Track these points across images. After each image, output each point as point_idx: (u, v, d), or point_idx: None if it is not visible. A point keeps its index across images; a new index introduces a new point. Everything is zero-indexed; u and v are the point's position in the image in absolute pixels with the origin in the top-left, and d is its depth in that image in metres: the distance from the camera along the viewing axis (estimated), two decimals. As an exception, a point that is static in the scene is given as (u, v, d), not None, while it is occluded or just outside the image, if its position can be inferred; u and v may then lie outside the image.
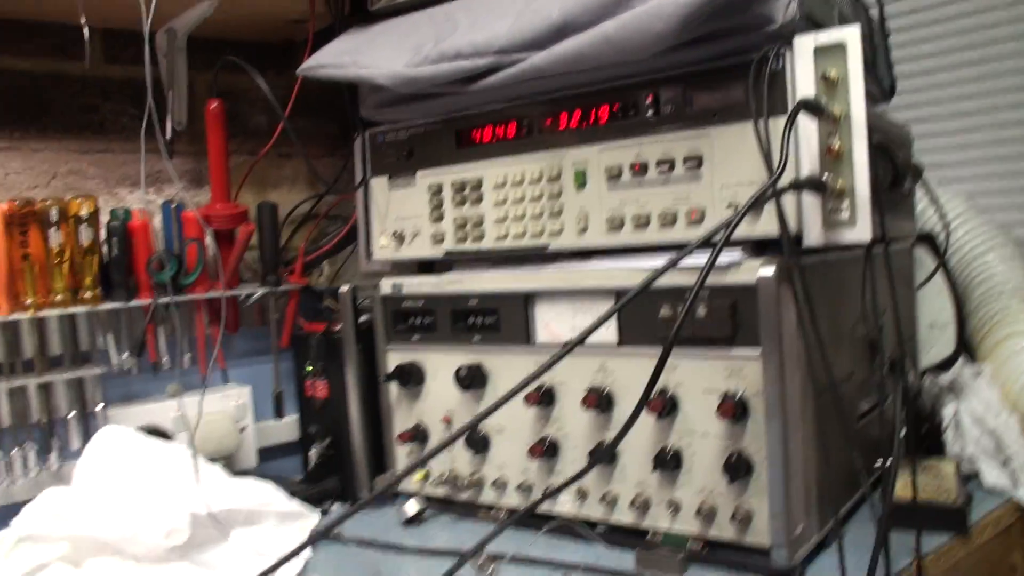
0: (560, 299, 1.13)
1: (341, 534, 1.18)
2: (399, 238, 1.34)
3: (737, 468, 0.96)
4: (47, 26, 1.36)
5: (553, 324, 1.14)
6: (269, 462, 1.51)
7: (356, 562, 1.08)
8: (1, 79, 1.32)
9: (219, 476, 1.21)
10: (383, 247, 1.37)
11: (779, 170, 0.90)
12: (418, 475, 1.31)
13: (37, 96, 1.36)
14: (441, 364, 1.25)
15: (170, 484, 1.13)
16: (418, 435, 1.28)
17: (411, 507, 1.24)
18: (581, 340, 0.87)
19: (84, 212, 1.24)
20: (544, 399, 1.13)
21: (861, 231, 0.96)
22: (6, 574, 0.92)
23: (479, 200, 1.24)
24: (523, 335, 1.16)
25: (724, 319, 0.96)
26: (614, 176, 1.11)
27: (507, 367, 1.17)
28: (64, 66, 1.38)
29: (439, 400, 1.26)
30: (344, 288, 1.33)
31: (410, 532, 1.21)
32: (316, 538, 0.85)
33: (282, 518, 1.19)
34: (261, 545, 1.10)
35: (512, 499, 1.18)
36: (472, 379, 1.19)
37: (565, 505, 1.11)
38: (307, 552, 1.12)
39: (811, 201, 0.96)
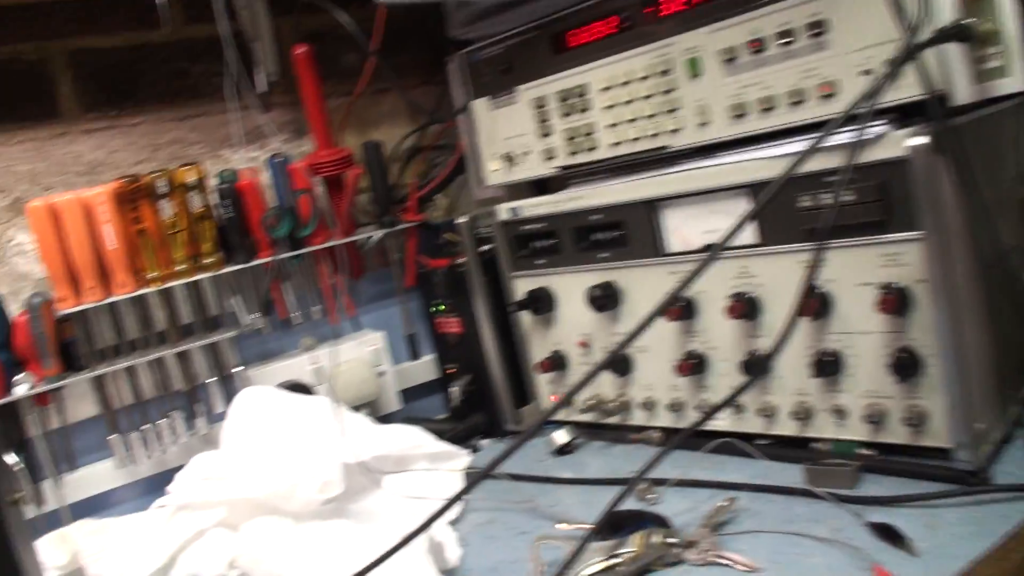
0: (688, 203, 1.09)
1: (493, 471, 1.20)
2: (509, 160, 1.32)
3: (905, 366, 0.91)
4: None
5: (684, 230, 1.11)
6: (411, 403, 1.55)
7: (513, 497, 1.09)
8: (89, 59, 1.36)
9: (364, 424, 1.25)
10: (494, 171, 1.35)
11: (917, 22, 0.83)
12: (562, 403, 1.31)
13: (126, 70, 1.40)
14: (570, 286, 1.24)
15: (317, 437, 1.17)
16: (557, 362, 1.28)
17: (561, 436, 1.25)
18: (727, 240, 0.83)
19: (191, 179, 1.28)
20: (685, 312, 1.10)
21: (1017, 78, 0.87)
22: (167, 543, 0.98)
23: (586, 108, 1.20)
24: (652, 246, 1.13)
25: (874, 202, 0.90)
26: (729, 59, 1.05)
27: (639, 282, 1.15)
28: (147, 36, 1.41)
29: (573, 324, 1.25)
30: (462, 219, 1.32)
31: (562, 462, 1.22)
32: (478, 478, 0.86)
33: (432, 459, 1.21)
34: (415, 489, 1.13)
35: (663, 419, 1.17)
36: (605, 299, 1.18)
37: (721, 421, 1.09)
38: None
39: (956, 53, 0.88)
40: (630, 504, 0.92)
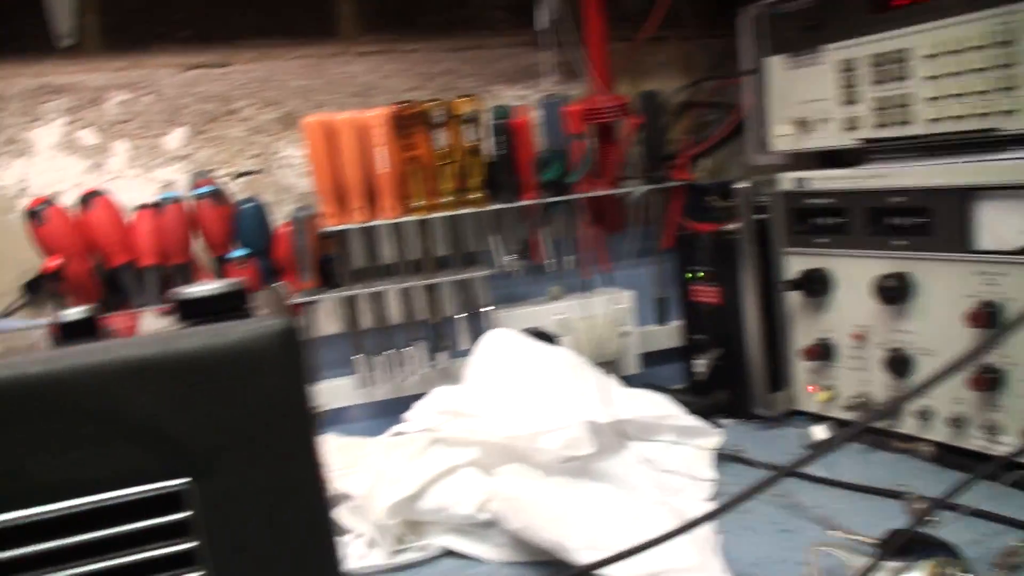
0: (1011, 196, 0.99)
1: (745, 455, 1.16)
2: (802, 125, 1.25)
3: None
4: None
5: (1000, 226, 1.01)
6: (648, 369, 1.52)
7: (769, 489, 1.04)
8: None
9: (612, 385, 1.23)
10: (782, 136, 1.28)
11: None
12: (821, 395, 1.24)
13: (408, -4, 1.42)
14: (853, 271, 1.16)
15: (564, 391, 1.16)
16: (823, 351, 1.21)
17: (820, 432, 1.18)
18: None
19: (468, 111, 1.28)
20: (990, 319, 1.00)
21: None
22: (419, 473, 1.00)
23: (903, 76, 1.11)
24: (959, 240, 1.04)
25: None
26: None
27: (938, 278, 1.06)
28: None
29: (849, 312, 1.18)
30: (742, 184, 1.27)
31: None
32: (780, 474, 0.81)
33: (680, 433, 1.18)
34: (659, 460, 1.10)
35: (938, 432, 1.09)
36: (897, 291, 1.10)
37: (1003, 446, 0.99)
38: (712, 472, 1.11)
39: None
40: (902, 522, 0.85)
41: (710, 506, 0.94)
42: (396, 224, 1.29)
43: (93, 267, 1.20)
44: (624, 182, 1.44)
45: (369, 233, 1.30)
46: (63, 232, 1.16)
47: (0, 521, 0.47)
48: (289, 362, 0.51)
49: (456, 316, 1.36)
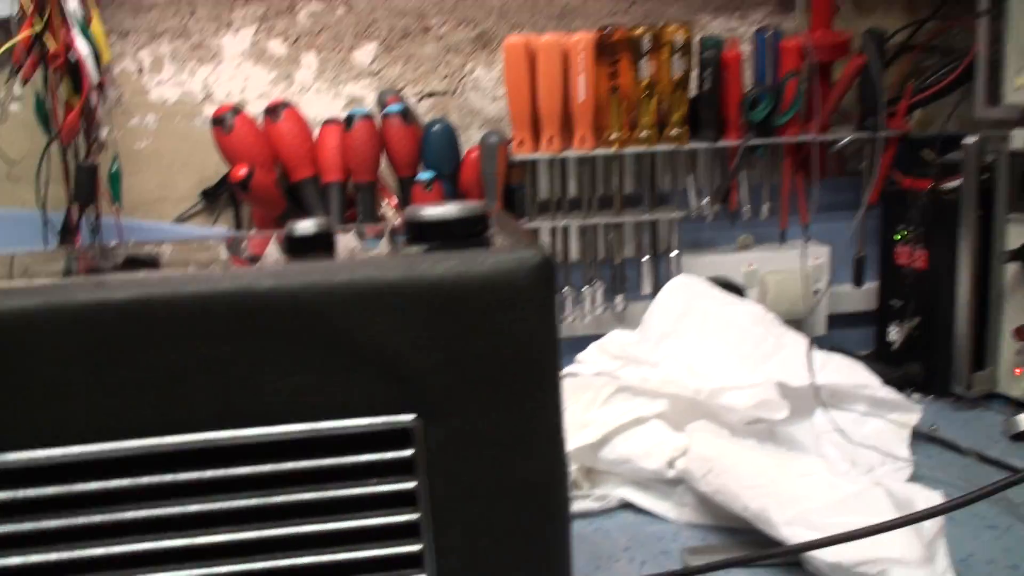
0: None
1: (940, 436, 1.06)
2: (1052, 77, 1.11)
3: None
4: None
5: None
6: (834, 330, 1.42)
7: (968, 476, 0.96)
8: None
9: (803, 345, 1.14)
10: (1021, 87, 1.15)
11: None
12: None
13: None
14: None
15: (752, 347, 1.09)
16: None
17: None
18: None
19: (679, 39, 1.20)
20: None
21: None
22: (605, 422, 0.95)
23: None
24: None
25: None
26: None
27: None
28: None
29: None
30: (970, 138, 1.14)
31: (1017, 448, 1.06)
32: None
33: (875, 405, 1.09)
34: (851, 432, 1.02)
35: None
36: None
37: None
38: (907, 451, 1.02)
39: None
40: None
41: (922, 491, 0.85)
42: (589, 157, 1.22)
43: (276, 179, 1.18)
44: (834, 128, 1.33)
45: (559, 164, 1.24)
46: (249, 141, 1.15)
47: (226, 438, 0.44)
48: (543, 299, 0.45)
49: (641, 259, 1.29)
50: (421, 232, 0.50)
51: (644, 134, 1.21)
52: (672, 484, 0.94)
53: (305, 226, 0.47)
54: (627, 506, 0.95)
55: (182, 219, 1.30)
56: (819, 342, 1.26)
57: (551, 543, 0.49)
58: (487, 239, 0.49)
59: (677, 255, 1.28)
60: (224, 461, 0.46)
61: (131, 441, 0.44)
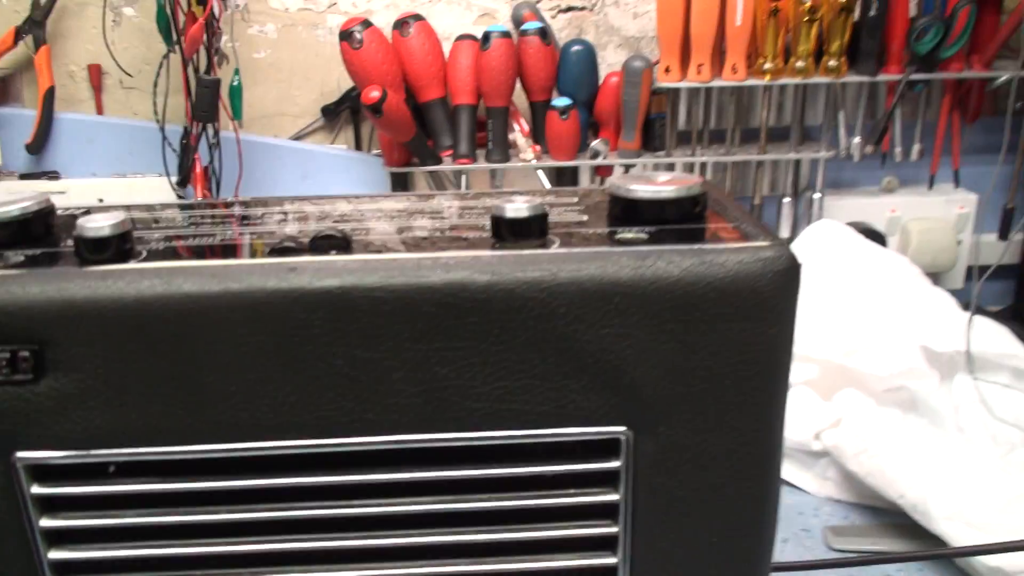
0: None
1: None
2: None
3: None
4: None
5: None
6: (970, 283, 1.34)
7: None
8: None
9: (951, 306, 1.07)
10: None
11: None
12: None
13: None
14: None
15: (897, 306, 1.02)
16: None
17: None
18: None
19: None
20: None
21: None
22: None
23: None
24: None
25: None
26: None
27: None
28: None
29: None
30: None
31: None
32: None
33: (1018, 377, 1.02)
34: (993, 405, 0.95)
35: None
36: None
37: None
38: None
39: None
40: None
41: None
42: (738, 87, 1.14)
43: (404, 100, 1.13)
44: (994, 65, 1.22)
45: (706, 94, 1.16)
46: (379, 58, 1.09)
47: (427, 441, 0.40)
48: (786, 308, 0.40)
49: (783, 198, 1.22)
50: (630, 212, 0.44)
51: (800, 64, 1.12)
52: (816, 456, 0.90)
53: (518, 208, 0.42)
54: (765, 473, 0.90)
55: (300, 136, 1.26)
56: (955, 295, 1.19)
57: (753, 567, 0.45)
58: (704, 222, 0.43)
59: (820, 197, 1.20)
60: (419, 463, 0.42)
61: (322, 439, 0.40)
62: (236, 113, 1.17)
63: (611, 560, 0.44)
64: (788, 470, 0.90)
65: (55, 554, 0.43)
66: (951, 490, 0.76)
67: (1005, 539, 0.65)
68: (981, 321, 1.05)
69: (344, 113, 1.24)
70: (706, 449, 0.42)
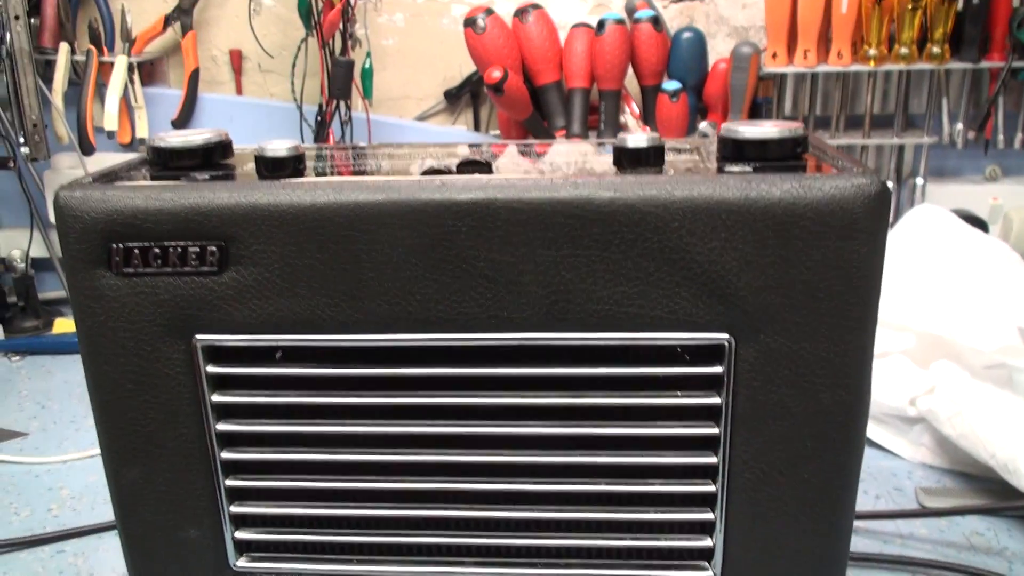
0: None
1: None
2: None
3: None
4: None
5: None
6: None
7: None
8: None
9: (1050, 289, 1.07)
10: None
11: None
12: None
13: None
14: None
15: (997, 288, 1.03)
16: None
17: None
18: None
19: (954, -51, 1.12)
20: None
21: None
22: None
23: None
24: None
25: None
26: None
27: None
28: None
29: None
30: None
31: None
32: None
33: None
34: None
35: None
36: None
37: None
38: None
39: None
40: None
41: None
42: (843, 73, 1.17)
43: (523, 82, 1.19)
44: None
45: (811, 80, 1.19)
46: (500, 43, 1.15)
47: (545, 339, 0.45)
48: (877, 229, 0.44)
49: (887, 183, 1.23)
50: (738, 151, 0.49)
51: (904, 51, 1.14)
52: (910, 422, 0.92)
53: (637, 138, 0.47)
54: (860, 438, 0.93)
55: (423, 118, 1.33)
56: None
57: (844, 472, 0.49)
58: (805, 163, 0.47)
59: (923, 183, 1.22)
60: (543, 360, 0.47)
61: (462, 334, 0.46)
62: (367, 93, 1.25)
63: (712, 459, 0.49)
64: (883, 435, 0.92)
65: (223, 426, 0.50)
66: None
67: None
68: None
69: (465, 97, 1.31)
70: (802, 357, 0.46)
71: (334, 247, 0.45)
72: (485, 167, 0.47)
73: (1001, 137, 1.22)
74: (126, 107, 1.27)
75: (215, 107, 1.31)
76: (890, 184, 1.21)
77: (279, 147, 0.48)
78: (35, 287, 1.22)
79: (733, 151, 0.48)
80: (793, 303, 0.45)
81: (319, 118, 1.20)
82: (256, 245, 0.45)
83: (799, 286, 0.44)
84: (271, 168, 0.47)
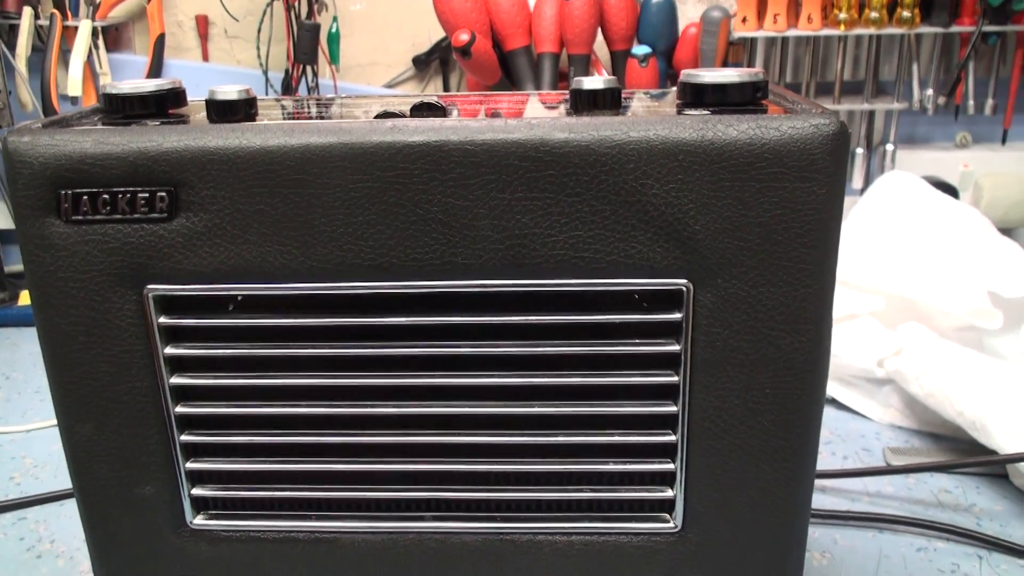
0: None
1: None
2: None
3: None
4: None
5: None
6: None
7: None
8: None
9: (1019, 255, 1.08)
10: None
11: None
12: None
13: None
14: None
15: (966, 253, 1.03)
16: None
17: None
18: None
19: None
20: None
21: None
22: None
23: None
24: None
25: None
26: None
27: None
28: None
29: None
30: None
31: None
32: None
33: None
34: None
35: None
36: None
37: None
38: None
39: None
40: None
41: None
42: (812, 38, 1.16)
43: (491, 47, 1.18)
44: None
45: (781, 44, 1.19)
46: (469, 7, 1.14)
47: (500, 285, 0.45)
48: (836, 170, 0.44)
49: (856, 150, 1.23)
50: (698, 95, 0.48)
51: (874, 15, 1.13)
52: (878, 384, 0.92)
53: (594, 80, 0.46)
54: (830, 401, 0.93)
55: (392, 84, 1.31)
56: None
57: (805, 418, 0.49)
58: (765, 108, 0.47)
59: (893, 149, 1.22)
60: (501, 309, 0.47)
61: (416, 281, 0.45)
62: (334, 58, 1.23)
63: (671, 408, 0.48)
64: (852, 397, 0.93)
65: (176, 380, 0.49)
66: (1010, 408, 0.78)
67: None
68: (1050, 270, 1.05)
69: (434, 63, 1.29)
70: (761, 301, 0.45)
71: (284, 192, 0.44)
72: (440, 111, 0.46)
73: (971, 103, 1.23)
74: (91, 73, 1.25)
75: (181, 73, 1.29)
76: (860, 151, 1.21)
77: (230, 90, 0.47)
78: (1, 259, 1.20)
79: (692, 96, 0.47)
80: (751, 247, 0.44)
81: (285, 84, 1.19)
82: (206, 190, 0.44)
83: (757, 229, 0.44)
84: (221, 112, 0.46)
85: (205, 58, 1.30)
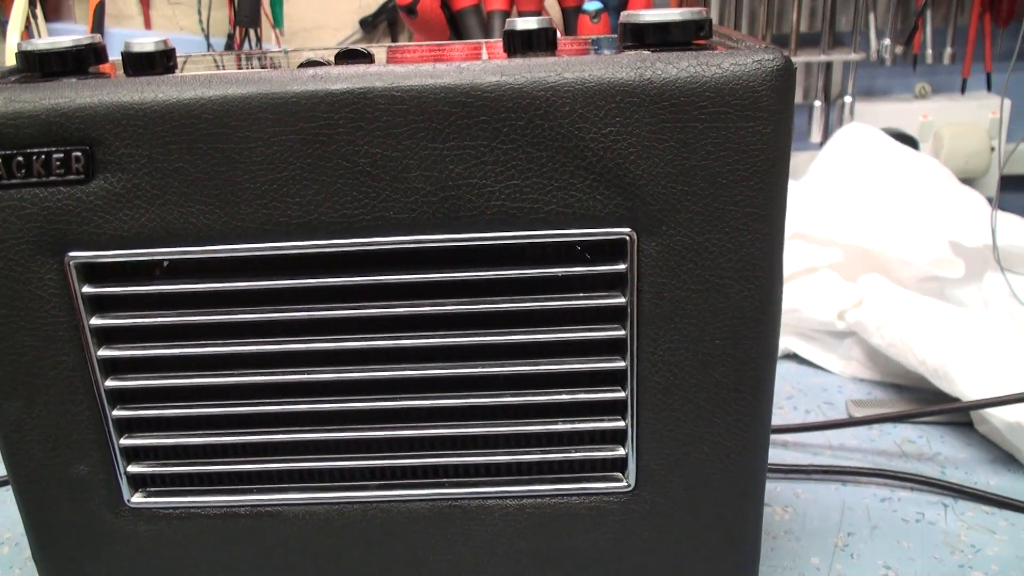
0: None
1: None
2: None
3: None
4: None
5: None
6: (1008, 193, 1.33)
7: None
8: None
9: (978, 203, 1.08)
10: None
11: None
12: None
13: None
14: None
15: (927, 203, 1.03)
16: None
17: None
18: None
19: None
20: None
21: None
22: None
23: None
24: None
25: None
26: None
27: None
28: None
29: None
30: None
31: None
32: None
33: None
34: (1021, 295, 0.96)
35: None
36: None
37: None
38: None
39: None
40: None
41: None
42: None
43: (439, 6, 1.15)
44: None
45: (736, -3, 1.17)
46: (414, -35, 1.11)
47: (435, 240, 0.43)
48: (781, 108, 0.42)
49: (814, 103, 1.22)
50: (638, 35, 0.46)
51: (828, -36, 1.12)
52: (840, 337, 0.91)
53: (527, 21, 0.44)
54: (791, 356, 0.92)
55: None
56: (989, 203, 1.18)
57: (757, 369, 0.47)
58: (709, 47, 0.45)
59: (851, 102, 1.21)
60: (435, 265, 0.45)
61: (346, 238, 0.43)
62: (277, 21, 1.20)
63: (619, 364, 0.47)
64: (813, 351, 0.92)
65: (104, 352, 0.46)
66: (972, 355, 0.77)
67: (1025, 396, 0.67)
68: (1011, 218, 1.05)
69: (382, 26, 1.26)
70: (707, 248, 0.44)
71: (204, 147, 0.41)
72: (365, 57, 0.44)
73: (930, 51, 1.21)
74: (26, 45, 1.20)
75: (122, 42, 1.24)
76: (818, 104, 1.20)
77: (146, 42, 0.44)
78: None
79: (632, 37, 0.46)
80: (695, 191, 0.42)
81: (228, 49, 1.15)
82: (123, 148, 0.42)
83: (701, 172, 0.42)
84: (137, 65, 0.44)
85: (147, 25, 1.26)
